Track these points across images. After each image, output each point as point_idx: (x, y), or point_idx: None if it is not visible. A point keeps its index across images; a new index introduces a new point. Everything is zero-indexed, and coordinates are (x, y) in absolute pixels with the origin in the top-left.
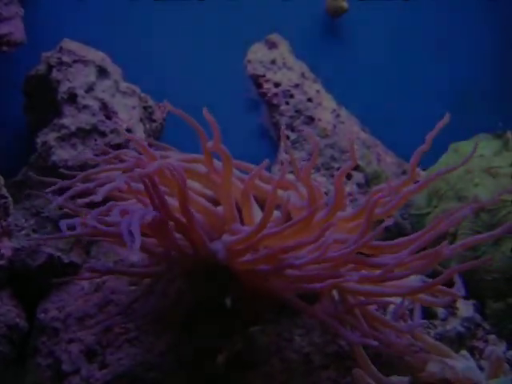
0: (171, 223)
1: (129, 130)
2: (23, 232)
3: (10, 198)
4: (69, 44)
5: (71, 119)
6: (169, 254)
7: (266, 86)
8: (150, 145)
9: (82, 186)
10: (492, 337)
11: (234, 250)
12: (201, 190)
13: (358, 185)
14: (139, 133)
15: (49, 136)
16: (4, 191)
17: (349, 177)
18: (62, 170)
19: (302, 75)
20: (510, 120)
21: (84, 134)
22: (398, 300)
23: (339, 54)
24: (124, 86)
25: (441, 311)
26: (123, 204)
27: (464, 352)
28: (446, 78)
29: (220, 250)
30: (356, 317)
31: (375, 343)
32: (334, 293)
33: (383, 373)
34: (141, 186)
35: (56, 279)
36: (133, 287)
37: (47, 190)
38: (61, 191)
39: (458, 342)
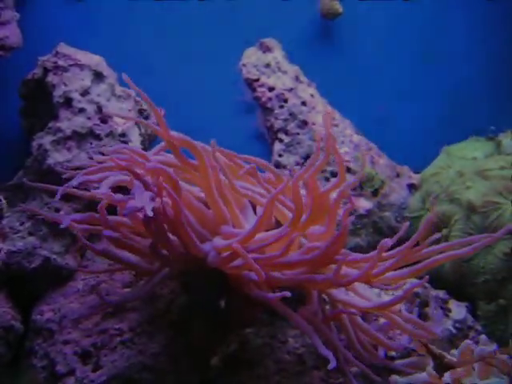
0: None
1: (123, 134)
2: (19, 235)
3: (4, 201)
4: (65, 48)
5: (67, 123)
6: (163, 254)
7: (260, 89)
8: None
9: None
10: (482, 337)
11: (223, 254)
12: (197, 193)
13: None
14: (134, 136)
15: (44, 139)
16: None
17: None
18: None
19: (297, 79)
20: (502, 123)
21: (79, 137)
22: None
23: (333, 56)
24: (119, 89)
25: (431, 313)
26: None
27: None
28: (440, 81)
29: (210, 253)
30: (344, 326)
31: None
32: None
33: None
34: None
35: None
36: (127, 289)
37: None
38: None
39: (450, 343)
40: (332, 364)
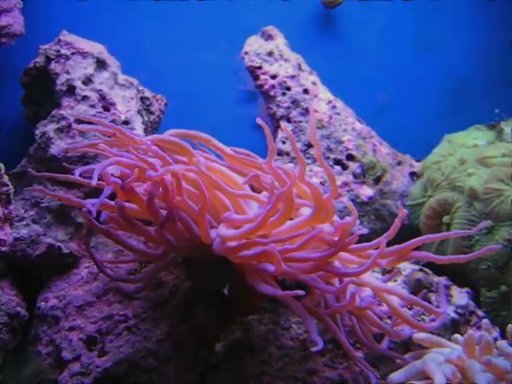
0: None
1: (126, 122)
2: (23, 222)
3: (11, 186)
4: (67, 36)
5: (70, 110)
6: (168, 238)
7: (262, 77)
8: None
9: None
10: (485, 321)
11: (231, 243)
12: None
13: (354, 175)
14: (137, 124)
15: (48, 127)
16: (5, 179)
17: (345, 167)
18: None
19: (299, 67)
20: (503, 111)
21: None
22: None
23: (334, 45)
24: (122, 77)
25: (435, 298)
26: None
27: (456, 335)
28: (441, 69)
29: (215, 241)
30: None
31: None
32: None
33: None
34: None
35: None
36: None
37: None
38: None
39: (452, 328)
40: (319, 346)
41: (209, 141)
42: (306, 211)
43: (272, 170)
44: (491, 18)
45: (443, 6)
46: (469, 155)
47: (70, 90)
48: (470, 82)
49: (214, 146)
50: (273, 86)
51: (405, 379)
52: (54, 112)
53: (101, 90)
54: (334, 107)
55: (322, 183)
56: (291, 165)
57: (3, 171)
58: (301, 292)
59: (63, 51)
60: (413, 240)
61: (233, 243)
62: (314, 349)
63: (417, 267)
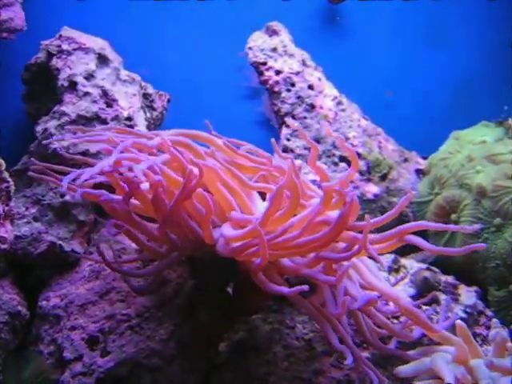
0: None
1: (129, 118)
2: (24, 220)
3: (12, 182)
4: (68, 32)
5: (71, 107)
6: (171, 237)
7: (267, 73)
8: None
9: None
10: (494, 321)
11: (234, 244)
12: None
13: (360, 172)
14: (140, 120)
15: (49, 123)
16: (6, 175)
17: (350, 164)
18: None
19: (303, 63)
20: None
21: (85, 121)
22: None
23: (339, 40)
24: (124, 73)
25: (443, 297)
26: None
27: None
28: (448, 66)
29: (218, 241)
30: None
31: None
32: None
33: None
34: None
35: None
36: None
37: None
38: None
39: None
40: (349, 359)
41: (211, 140)
42: (315, 201)
43: (274, 167)
44: (500, 15)
45: (451, 3)
46: (476, 152)
47: (72, 85)
48: (478, 78)
49: (216, 145)
50: (277, 82)
51: (412, 375)
52: (55, 108)
53: (103, 86)
54: (339, 103)
55: None
56: (299, 161)
57: (4, 168)
58: (305, 287)
59: (65, 47)
60: (408, 224)
61: (236, 244)
62: (346, 362)
63: (424, 266)
